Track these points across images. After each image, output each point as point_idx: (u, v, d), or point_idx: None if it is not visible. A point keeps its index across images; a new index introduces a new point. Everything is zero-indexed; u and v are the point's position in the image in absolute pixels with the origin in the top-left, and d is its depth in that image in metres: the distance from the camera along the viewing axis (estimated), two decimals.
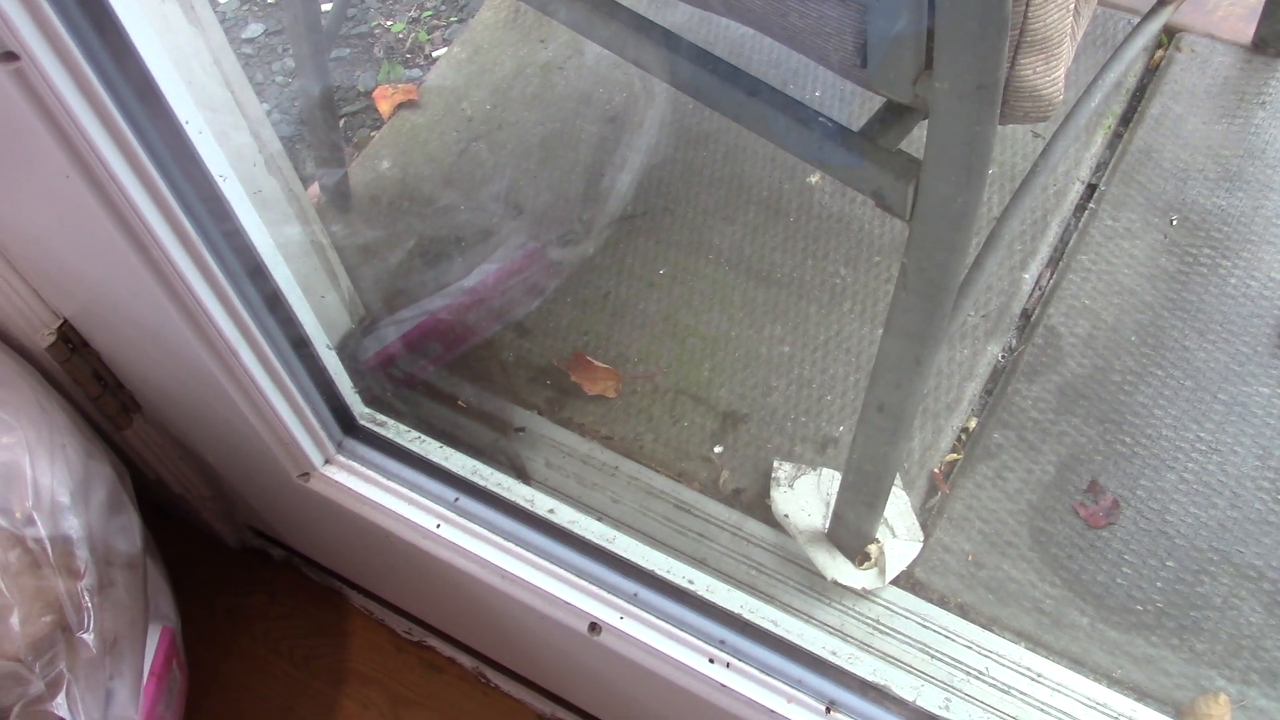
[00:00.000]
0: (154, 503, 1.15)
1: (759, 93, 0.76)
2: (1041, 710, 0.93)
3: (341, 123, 1.46)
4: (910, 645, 0.98)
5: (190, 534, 1.19)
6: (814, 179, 0.74)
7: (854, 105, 1.37)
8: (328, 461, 0.92)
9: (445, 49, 1.51)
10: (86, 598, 0.80)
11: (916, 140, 0.66)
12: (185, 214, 0.68)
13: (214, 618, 1.15)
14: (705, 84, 0.78)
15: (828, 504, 1.07)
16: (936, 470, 1.11)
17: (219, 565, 1.18)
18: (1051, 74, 0.70)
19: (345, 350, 0.92)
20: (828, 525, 1.04)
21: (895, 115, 0.73)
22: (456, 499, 0.89)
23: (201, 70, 0.70)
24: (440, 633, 1.10)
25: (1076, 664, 1.00)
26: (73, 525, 0.81)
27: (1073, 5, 0.70)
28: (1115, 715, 0.93)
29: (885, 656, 0.98)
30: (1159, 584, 1.04)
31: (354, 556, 1.04)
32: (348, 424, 0.93)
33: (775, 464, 1.11)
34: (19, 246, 0.78)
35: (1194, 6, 1.42)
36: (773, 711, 0.78)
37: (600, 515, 1.06)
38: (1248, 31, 1.39)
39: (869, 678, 0.80)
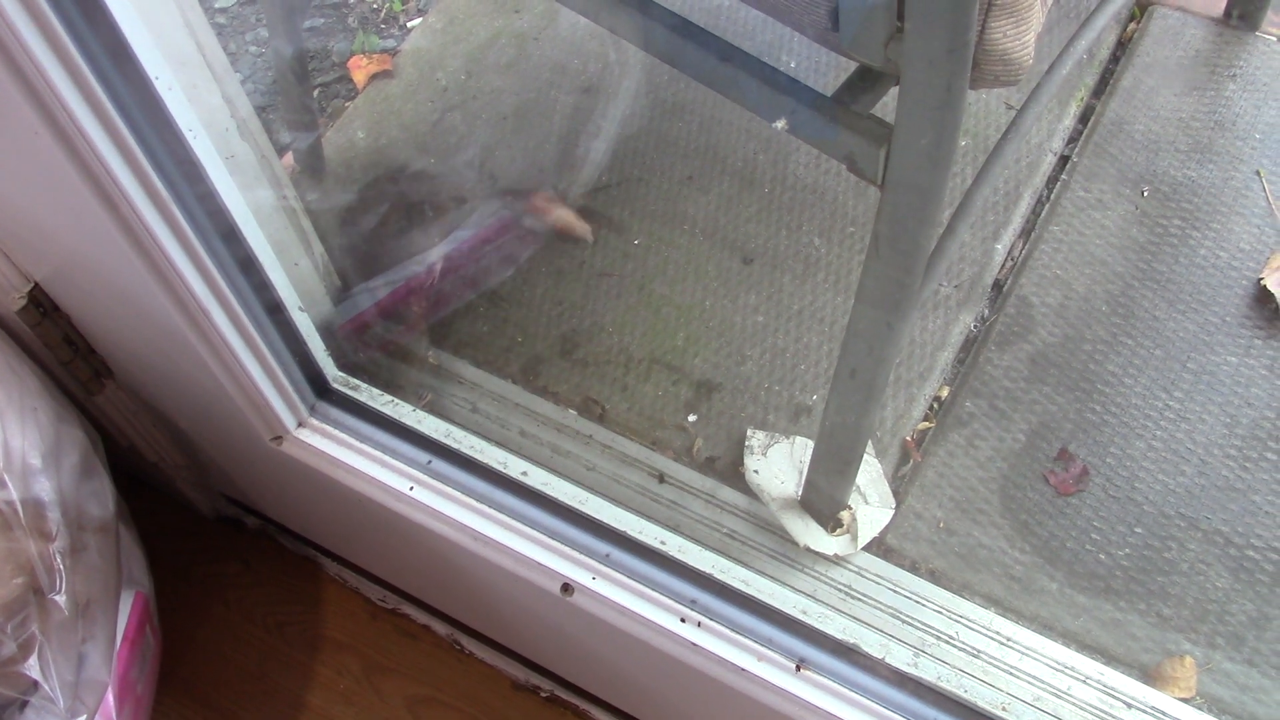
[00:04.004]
0: (128, 471, 1.15)
1: (732, 58, 0.76)
2: (1011, 674, 0.94)
3: (316, 93, 1.45)
4: (881, 610, 0.99)
5: (164, 503, 1.18)
6: (780, 124, 0.74)
7: (828, 78, 1.37)
8: (300, 425, 0.92)
9: (420, 19, 1.50)
10: (58, 560, 0.80)
11: (890, 106, 0.66)
12: (156, 172, 0.67)
13: (188, 586, 1.15)
14: (678, 49, 0.78)
15: (801, 471, 1.07)
16: (909, 438, 1.12)
17: (193, 534, 1.18)
18: (1022, 37, 0.70)
19: (318, 315, 0.92)
20: (800, 492, 1.05)
21: (868, 80, 0.73)
22: (429, 462, 0.89)
23: (170, 25, 0.69)
24: (415, 600, 1.10)
25: (1045, 628, 1.01)
26: (44, 488, 0.81)
27: None
28: (1083, 678, 0.94)
29: (856, 619, 0.98)
30: (1127, 550, 1.05)
31: (328, 522, 1.04)
32: (320, 388, 0.93)
33: (749, 432, 1.12)
34: None
35: None
36: (743, 670, 0.78)
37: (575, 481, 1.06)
38: (1219, 4, 1.39)
39: (839, 636, 0.81)
